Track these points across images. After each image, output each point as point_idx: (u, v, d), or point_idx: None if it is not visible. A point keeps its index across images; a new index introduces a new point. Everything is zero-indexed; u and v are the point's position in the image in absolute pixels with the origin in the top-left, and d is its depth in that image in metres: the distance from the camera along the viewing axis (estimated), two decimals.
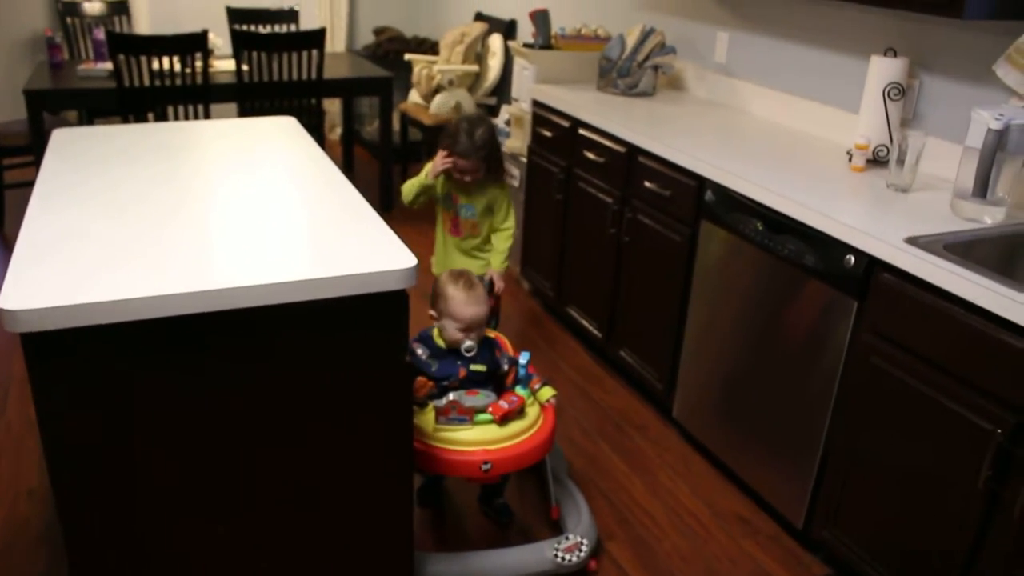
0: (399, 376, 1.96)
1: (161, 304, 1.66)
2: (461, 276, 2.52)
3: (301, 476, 1.94)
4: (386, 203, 5.39)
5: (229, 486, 1.88)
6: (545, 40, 4.16)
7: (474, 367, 2.49)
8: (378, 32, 6.69)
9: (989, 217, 2.37)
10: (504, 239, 3.18)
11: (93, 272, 1.73)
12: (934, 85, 2.83)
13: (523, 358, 2.58)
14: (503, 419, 2.39)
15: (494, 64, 5.57)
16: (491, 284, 3.11)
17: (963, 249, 2.19)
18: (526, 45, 4.20)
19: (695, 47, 3.97)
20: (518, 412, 2.44)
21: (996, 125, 2.26)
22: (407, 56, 6.04)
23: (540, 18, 4.15)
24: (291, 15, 6.09)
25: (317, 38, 4.83)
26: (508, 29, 5.62)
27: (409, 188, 3.11)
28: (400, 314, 1.90)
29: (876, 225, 2.31)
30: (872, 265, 2.25)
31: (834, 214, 2.38)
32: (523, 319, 4.12)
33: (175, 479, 1.82)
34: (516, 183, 4.27)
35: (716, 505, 2.85)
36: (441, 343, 2.50)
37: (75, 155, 2.52)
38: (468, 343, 2.45)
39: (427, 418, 2.38)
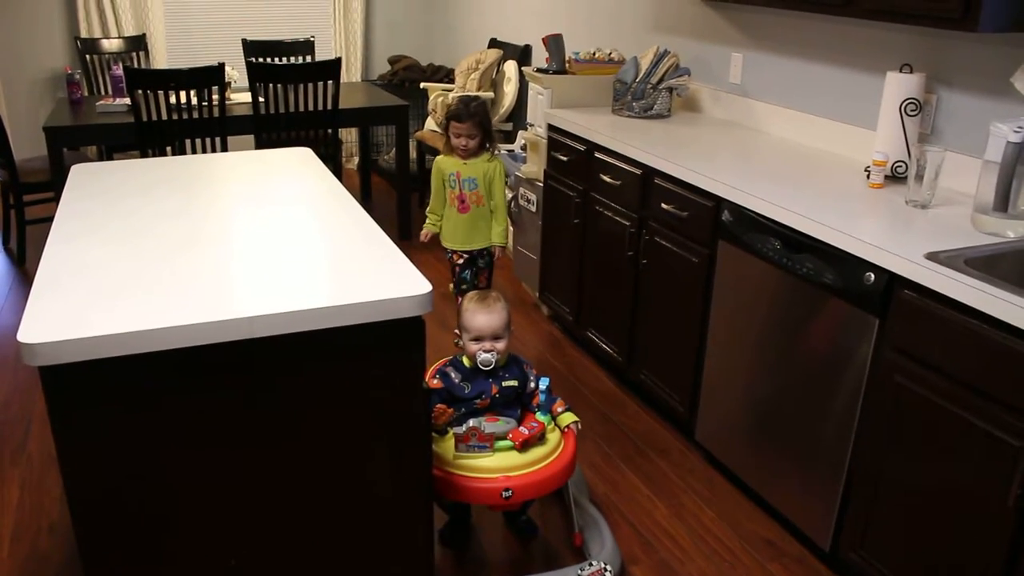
0: (417, 402, 1.95)
1: (179, 335, 1.66)
2: (479, 294, 2.61)
3: (319, 504, 1.93)
4: (405, 231, 5.40)
5: (246, 516, 1.87)
6: (559, 65, 4.17)
7: (506, 383, 2.52)
8: (393, 61, 6.74)
9: (1011, 231, 2.34)
10: (501, 213, 3.77)
11: (111, 305, 1.73)
12: (951, 100, 2.81)
13: (543, 383, 2.57)
14: (523, 445, 2.38)
15: (509, 90, 5.59)
16: (491, 257, 3.83)
17: (985, 264, 2.16)
18: (540, 70, 4.21)
19: (710, 68, 3.97)
20: (539, 438, 2.43)
21: (1016, 138, 2.24)
22: (423, 84, 6.08)
23: (553, 43, 4.16)
24: (307, 46, 6.15)
25: (333, 68, 4.87)
26: (522, 55, 5.64)
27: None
28: (417, 340, 1.89)
29: (896, 242, 2.29)
30: (892, 282, 2.23)
31: (853, 231, 2.36)
32: (543, 344, 4.11)
33: (193, 510, 1.81)
34: (533, 208, 4.27)
35: (741, 528, 2.81)
36: (468, 363, 2.53)
37: (93, 190, 2.54)
38: (484, 355, 2.47)
39: (447, 445, 2.37)
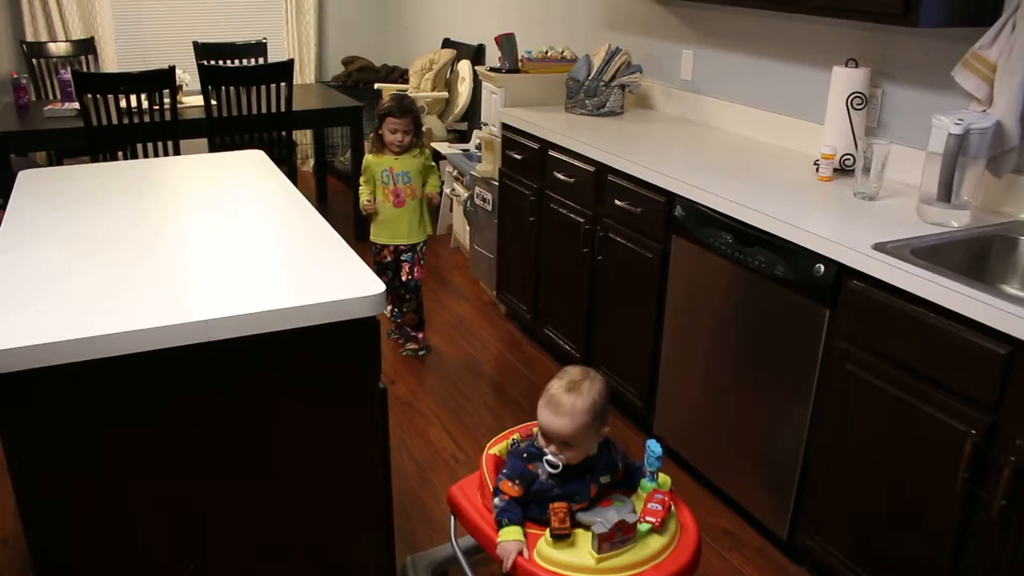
0: (371, 403, 1.95)
1: (131, 340, 1.64)
2: (569, 380, 2.02)
3: (275, 505, 1.93)
4: (360, 232, 5.37)
5: (202, 521, 1.86)
6: (512, 64, 4.18)
7: (603, 479, 2.07)
8: (347, 62, 6.71)
9: (955, 220, 2.39)
10: (433, 181, 3.89)
11: (59, 311, 1.71)
12: (896, 93, 2.86)
13: (657, 449, 2.08)
14: (663, 524, 2.02)
15: (463, 90, 5.59)
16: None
17: (930, 253, 2.21)
18: (493, 69, 4.22)
19: (661, 65, 4.00)
20: (669, 511, 2.06)
21: (956, 130, 2.29)
22: (377, 85, 6.06)
23: (506, 42, 4.17)
24: (259, 48, 6.10)
25: (286, 70, 4.84)
26: (476, 54, 5.65)
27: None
28: (371, 340, 1.89)
29: (844, 233, 2.33)
30: (842, 273, 2.27)
31: (802, 224, 2.40)
32: (501, 343, 4.12)
33: (148, 519, 1.80)
34: (489, 207, 4.28)
35: (701, 520, 2.81)
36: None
37: (41, 195, 2.51)
38: (550, 458, 1.98)
39: (578, 550, 1.94)
